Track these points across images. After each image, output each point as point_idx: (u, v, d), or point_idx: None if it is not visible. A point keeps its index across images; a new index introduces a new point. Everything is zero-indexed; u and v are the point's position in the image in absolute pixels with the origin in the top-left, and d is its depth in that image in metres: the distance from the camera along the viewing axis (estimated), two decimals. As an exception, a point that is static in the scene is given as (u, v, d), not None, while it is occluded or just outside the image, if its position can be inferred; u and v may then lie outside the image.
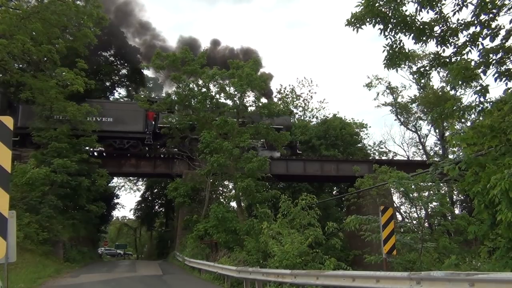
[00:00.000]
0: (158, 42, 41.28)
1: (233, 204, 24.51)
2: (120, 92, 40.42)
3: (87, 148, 25.65)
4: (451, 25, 7.91)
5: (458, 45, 8.01)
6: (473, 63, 7.49)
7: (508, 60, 7.61)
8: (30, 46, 18.94)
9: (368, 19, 7.77)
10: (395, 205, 28.39)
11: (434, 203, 13.68)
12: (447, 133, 28.72)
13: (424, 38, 7.99)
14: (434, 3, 7.57)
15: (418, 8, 7.62)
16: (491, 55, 7.58)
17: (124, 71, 38.34)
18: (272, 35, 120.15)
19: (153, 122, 29.04)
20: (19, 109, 26.04)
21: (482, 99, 7.36)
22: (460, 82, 7.35)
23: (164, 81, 35.99)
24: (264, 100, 24.69)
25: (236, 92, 22.72)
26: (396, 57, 8.18)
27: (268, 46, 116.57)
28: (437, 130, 39.46)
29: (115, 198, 42.39)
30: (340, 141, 35.20)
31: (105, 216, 34.97)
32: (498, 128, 6.76)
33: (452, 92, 8.66)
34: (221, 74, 22.95)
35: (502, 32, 7.60)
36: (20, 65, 23.76)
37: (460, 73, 7.17)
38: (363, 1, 7.63)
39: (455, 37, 7.98)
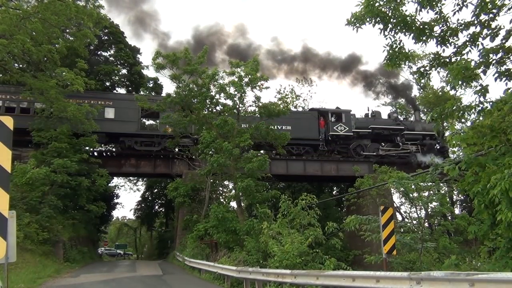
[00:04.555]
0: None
1: (233, 204, 24.49)
2: (120, 92, 40.32)
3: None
4: (451, 25, 7.91)
5: (458, 45, 8.01)
6: (473, 63, 7.47)
7: (508, 60, 7.60)
8: (30, 46, 18.94)
9: (368, 19, 7.77)
10: (395, 205, 28.43)
11: (434, 203, 13.66)
12: (447, 133, 28.69)
13: (424, 38, 7.98)
14: (434, 3, 7.57)
15: (418, 8, 7.62)
16: (491, 55, 7.57)
17: (124, 71, 38.28)
18: (271, 32, 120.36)
19: (324, 129, 30.79)
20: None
21: (482, 99, 7.35)
22: (460, 82, 7.32)
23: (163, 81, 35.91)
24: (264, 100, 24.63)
25: (236, 92, 22.70)
26: (396, 57, 8.18)
27: (267, 43, 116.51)
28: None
29: (115, 198, 42.41)
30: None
31: (105, 216, 34.98)
32: (498, 128, 6.75)
33: (452, 92, 8.61)
34: (222, 72, 23.01)
35: (502, 32, 7.60)
36: (20, 65, 23.75)
37: (460, 73, 7.15)
38: (363, 1, 7.63)
39: (455, 37, 7.98)
